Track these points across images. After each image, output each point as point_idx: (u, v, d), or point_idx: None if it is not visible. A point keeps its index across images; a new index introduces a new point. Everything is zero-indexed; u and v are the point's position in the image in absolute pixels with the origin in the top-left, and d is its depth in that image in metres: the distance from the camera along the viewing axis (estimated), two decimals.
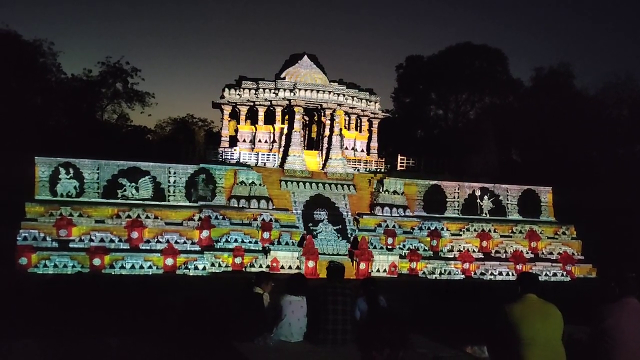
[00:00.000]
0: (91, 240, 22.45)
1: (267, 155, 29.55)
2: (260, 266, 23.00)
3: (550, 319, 5.19)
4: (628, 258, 22.50)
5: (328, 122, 29.97)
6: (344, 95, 30.14)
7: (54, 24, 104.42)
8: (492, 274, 25.39)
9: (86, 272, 20.92)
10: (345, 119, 31.39)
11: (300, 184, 27.30)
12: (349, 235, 25.53)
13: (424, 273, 24.75)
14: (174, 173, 25.62)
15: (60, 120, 44.37)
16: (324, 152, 29.92)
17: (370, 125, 33.01)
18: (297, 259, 23.45)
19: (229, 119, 31.95)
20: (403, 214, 27.06)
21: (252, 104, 30.44)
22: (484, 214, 28.68)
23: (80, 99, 44.24)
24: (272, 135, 30.54)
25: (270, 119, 30.57)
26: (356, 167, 30.36)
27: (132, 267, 21.92)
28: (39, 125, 37.30)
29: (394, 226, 26.10)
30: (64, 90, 43.11)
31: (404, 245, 25.53)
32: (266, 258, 23.36)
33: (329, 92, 29.43)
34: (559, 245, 27.55)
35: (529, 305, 5.23)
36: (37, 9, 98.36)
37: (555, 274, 25.98)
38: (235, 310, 8.02)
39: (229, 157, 29.86)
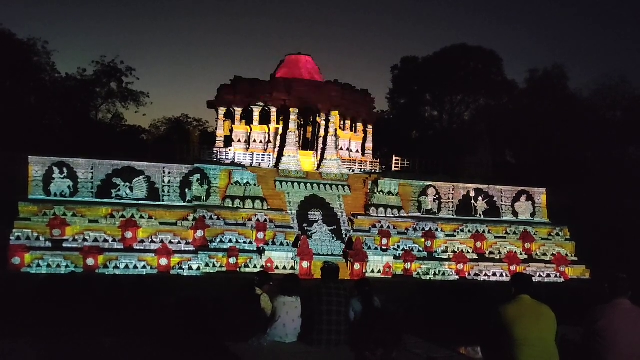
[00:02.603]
0: (85, 240, 22.37)
1: (262, 155, 29.51)
2: (255, 267, 22.96)
3: (544, 320, 5.21)
4: (621, 259, 22.64)
5: (323, 122, 29.97)
6: (339, 97, 30.13)
7: (48, 23, 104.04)
8: (486, 274, 25.45)
9: (80, 272, 20.82)
10: (340, 119, 31.39)
11: (295, 184, 27.28)
12: (344, 236, 25.53)
13: (418, 274, 24.77)
14: (169, 173, 25.54)
15: (54, 119, 44.18)
16: (319, 152, 29.91)
17: (365, 125, 33.01)
18: (292, 259, 23.43)
19: (224, 119, 31.89)
20: (397, 215, 27.09)
21: (247, 104, 30.40)
22: (478, 215, 28.74)
23: (75, 99, 44.04)
24: (267, 136, 30.50)
25: (265, 119, 30.52)
26: (351, 168, 30.36)
27: (126, 267, 21.87)
28: (33, 125, 37.14)
29: (388, 227, 26.11)
30: (58, 90, 42.91)
31: (398, 246, 25.55)
32: (261, 258, 23.33)
33: (324, 92, 29.41)
34: (553, 246, 27.65)
35: (522, 306, 5.26)
36: (31, 8, 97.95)
37: (548, 275, 26.07)
38: (233, 310, 8.00)
39: (224, 157, 29.80)
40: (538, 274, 25.63)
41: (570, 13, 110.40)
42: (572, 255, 27.50)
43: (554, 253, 27.16)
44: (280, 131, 30.07)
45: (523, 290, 5.41)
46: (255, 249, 23.85)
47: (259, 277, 8.48)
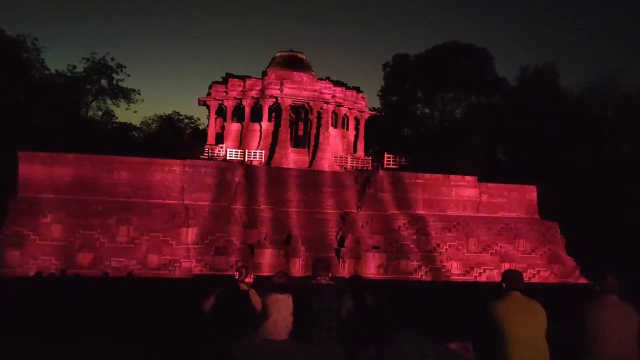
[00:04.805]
0: (76, 238, 22.23)
1: (254, 152, 29.44)
2: (246, 264, 22.93)
3: (534, 316, 5.23)
4: (611, 255, 22.76)
5: (315, 119, 29.95)
6: (331, 94, 30.13)
7: (38, 19, 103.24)
8: (477, 271, 25.52)
9: (71, 270, 20.68)
10: (332, 117, 31.39)
11: (287, 181, 27.20)
12: (337, 233, 25.52)
13: (410, 271, 24.80)
14: None
15: (45, 116, 43.80)
16: (311, 149, 29.89)
17: (357, 123, 33.02)
18: (284, 257, 23.38)
19: (216, 116, 31.81)
20: (390, 212, 27.10)
21: (238, 101, 30.33)
22: (470, 213, 28.77)
23: (65, 96, 43.69)
24: (259, 133, 30.44)
25: (257, 117, 30.46)
26: (343, 165, 30.35)
27: (117, 266, 21.74)
28: (23, 122, 36.82)
29: (381, 224, 26.11)
30: (47, 87, 42.57)
31: (390, 243, 25.56)
32: (252, 256, 23.28)
33: (316, 89, 29.39)
34: (544, 243, 27.78)
35: (513, 303, 5.27)
36: (20, 4, 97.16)
37: (539, 272, 26.20)
38: (221, 308, 7.97)
39: (216, 154, 29.72)
40: (529, 270, 25.75)
41: (561, 11, 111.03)
42: (562, 252, 27.65)
43: (545, 249, 27.31)
44: (272, 128, 30.03)
45: (514, 287, 5.41)
46: (247, 246, 23.79)
47: (239, 272, 8.41)
